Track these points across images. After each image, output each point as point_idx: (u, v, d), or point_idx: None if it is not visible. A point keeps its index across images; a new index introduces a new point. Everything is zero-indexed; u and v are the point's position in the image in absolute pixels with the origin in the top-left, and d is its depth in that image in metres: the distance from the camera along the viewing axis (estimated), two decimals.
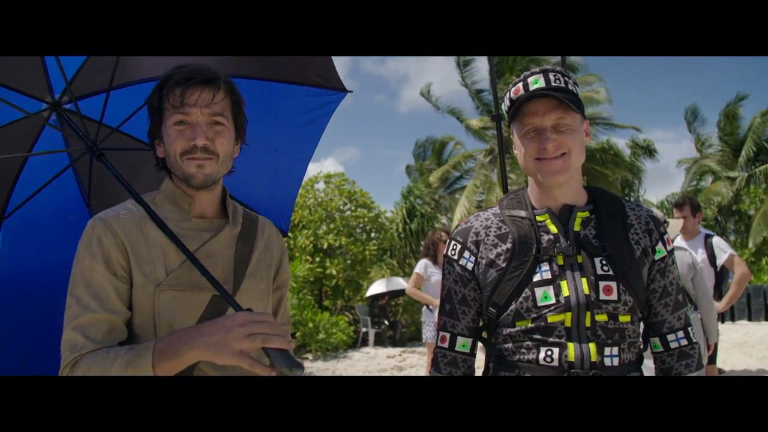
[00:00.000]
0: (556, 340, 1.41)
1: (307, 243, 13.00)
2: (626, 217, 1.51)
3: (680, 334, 1.53)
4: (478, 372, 1.57)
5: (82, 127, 1.82)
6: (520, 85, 1.48)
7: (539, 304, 1.42)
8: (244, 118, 1.49)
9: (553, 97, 1.41)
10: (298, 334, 10.56)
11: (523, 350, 1.44)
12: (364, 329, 12.53)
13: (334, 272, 12.91)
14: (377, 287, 12.84)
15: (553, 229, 1.48)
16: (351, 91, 2.30)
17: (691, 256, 3.85)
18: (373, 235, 14.62)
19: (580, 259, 1.44)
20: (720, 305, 4.67)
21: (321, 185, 14.43)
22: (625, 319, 1.44)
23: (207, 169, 1.37)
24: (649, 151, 22.63)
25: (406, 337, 13.12)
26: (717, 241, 4.76)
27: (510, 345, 1.47)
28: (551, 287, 1.42)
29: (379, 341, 12.47)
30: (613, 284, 1.42)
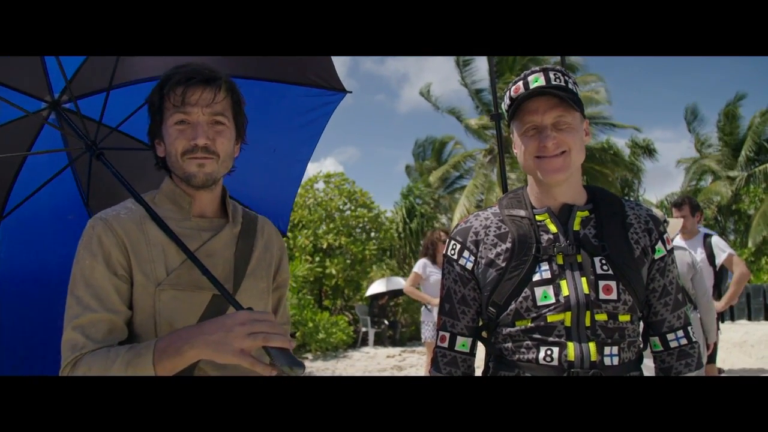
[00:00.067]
0: (556, 339, 1.41)
1: (307, 243, 13.00)
2: (626, 217, 1.51)
3: (680, 333, 1.53)
4: (478, 371, 1.57)
5: (81, 126, 1.83)
6: (521, 83, 1.48)
7: (539, 303, 1.42)
8: (245, 117, 1.49)
9: (553, 95, 1.41)
10: (297, 333, 10.56)
11: (523, 350, 1.45)
12: (363, 329, 12.53)
13: (333, 272, 12.92)
14: (377, 287, 12.85)
15: (553, 228, 1.48)
16: (350, 92, 2.30)
17: (690, 255, 3.85)
18: (372, 234, 14.62)
19: (579, 259, 1.44)
20: (719, 304, 4.67)
21: (321, 185, 14.45)
22: (624, 318, 1.44)
23: (207, 168, 1.37)
24: (649, 151, 22.65)
25: (405, 336, 13.12)
26: (716, 240, 4.77)
27: (510, 344, 1.47)
28: (551, 287, 1.42)
29: (379, 341, 12.47)
30: (613, 283, 1.42)
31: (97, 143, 1.80)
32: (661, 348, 1.54)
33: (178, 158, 1.38)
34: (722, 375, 6.94)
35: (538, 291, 1.43)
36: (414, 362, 9.60)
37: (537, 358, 1.42)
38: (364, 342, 12.34)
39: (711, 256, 4.71)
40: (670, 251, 1.54)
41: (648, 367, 1.50)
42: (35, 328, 2.05)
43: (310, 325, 10.73)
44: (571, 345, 1.40)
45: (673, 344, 1.52)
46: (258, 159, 2.07)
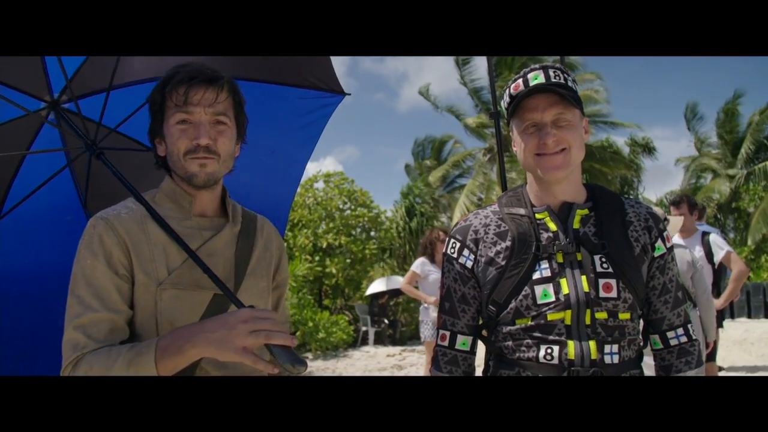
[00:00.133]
0: (556, 337, 1.41)
1: (307, 242, 12.99)
2: (625, 215, 1.52)
3: (680, 331, 1.53)
4: (478, 370, 1.57)
5: (81, 126, 1.83)
6: (520, 81, 1.48)
7: (539, 302, 1.42)
8: (246, 118, 1.49)
9: (553, 92, 1.41)
10: (297, 333, 10.56)
11: (523, 348, 1.45)
12: (363, 328, 12.53)
13: (333, 271, 12.92)
14: (377, 286, 12.84)
15: (553, 226, 1.48)
16: (349, 94, 2.30)
17: (690, 253, 3.86)
18: (372, 234, 14.63)
19: (579, 257, 1.44)
20: (718, 302, 4.68)
21: (320, 184, 14.44)
22: (624, 316, 1.44)
23: (209, 168, 1.38)
24: (648, 149, 22.66)
25: (405, 335, 13.12)
26: (714, 238, 4.77)
27: (510, 343, 1.47)
28: (551, 285, 1.43)
29: (379, 340, 12.47)
30: (613, 281, 1.42)
31: (97, 143, 1.80)
32: (661, 346, 1.54)
33: (180, 158, 1.38)
34: (721, 373, 6.95)
35: (538, 289, 1.43)
36: (414, 361, 9.60)
37: (537, 357, 1.42)
38: (364, 341, 12.34)
39: (709, 254, 4.71)
40: (670, 249, 1.54)
41: (648, 365, 1.51)
42: (31, 328, 2.05)
43: (310, 324, 10.73)
44: (571, 343, 1.40)
45: (673, 342, 1.53)
46: (256, 161, 2.07)
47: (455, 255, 1.55)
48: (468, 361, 1.56)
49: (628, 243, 1.47)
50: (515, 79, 1.50)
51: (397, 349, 11.35)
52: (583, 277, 1.42)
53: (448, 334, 1.56)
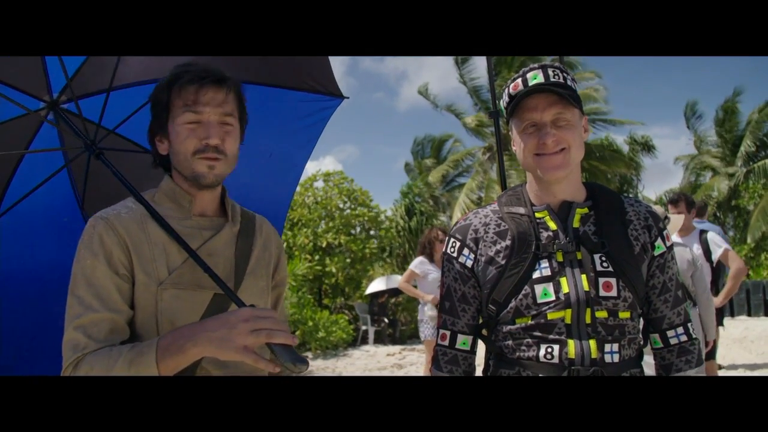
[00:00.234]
0: (557, 337, 1.41)
1: (307, 241, 12.99)
2: (625, 213, 1.52)
3: (680, 330, 1.53)
4: (479, 369, 1.58)
5: (81, 126, 1.83)
6: (519, 80, 1.48)
7: (539, 301, 1.42)
8: (247, 118, 1.50)
9: (552, 92, 1.42)
10: (297, 332, 10.56)
11: (524, 347, 1.45)
12: (363, 327, 12.53)
13: (333, 270, 12.92)
14: (377, 285, 12.83)
15: (552, 225, 1.48)
16: (347, 98, 2.31)
17: (691, 252, 3.86)
18: (372, 233, 14.62)
19: (579, 256, 1.44)
20: (717, 300, 4.68)
21: (320, 183, 14.44)
22: (624, 315, 1.44)
23: (217, 169, 1.38)
24: (648, 147, 22.65)
25: (405, 334, 13.12)
26: (711, 236, 4.77)
27: (510, 342, 1.47)
28: (551, 284, 1.43)
29: (379, 339, 12.47)
30: (613, 280, 1.42)
31: (96, 143, 1.80)
32: (661, 345, 1.54)
33: (188, 157, 1.37)
34: (721, 371, 6.96)
35: (538, 288, 1.43)
36: (414, 360, 9.61)
37: (537, 356, 1.42)
38: (364, 340, 12.34)
39: (707, 252, 4.71)
40: (670, 248, 1.54)
41: (648, 364, 1.51)
42: (32, 328, 2.05)
43: (310, 323, 10.72)
44: (571, 342, 1.40)
45: (673, 341, 1.53)
46: (254, 163, 2.07)
47: (455, 254, 1.55)
48: (468, 360, 1.56)
49: (628, 242, 1.47)
50: (514, 79, 1.50)
51: (397, 348, 11.35)
52: (583, 276, 1.42)
53: (448, 333, 1.56)
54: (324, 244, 13.16)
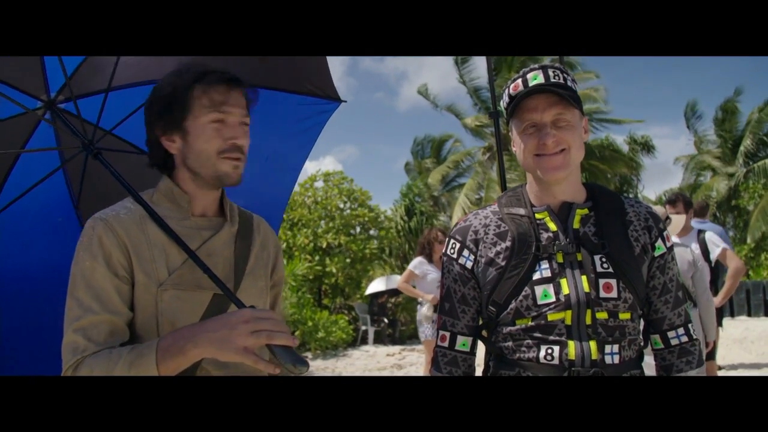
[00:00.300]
0: (557, 338, 1.41)
1: (307, 241, 12.99)
2: (625, 214, 1.51)
3: (680, 330, 1.53)
4: (478, 370, 1.57)
5: (80, 126, 1.82)
6: (519, 81, 1.48)
7: (539, 302, 1.42)
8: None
9: (552, 92, 1.41)
10: (297, 332, 10.56)
11: (524, 348, 1.45)
12: (363, 327, 12.53)
13: (333, 270, 12.92)
14: (376, 285, 12.84)
15: (553, 226, 1.48)
16: (345, 101, 2.31)
17: (691, 253, 3.85)
18: (372, 233, 14.63)
19: (579, 257, 1.44)
20: (716, 300, 4.68)
21: (320, 184, 14.44)
22: (625, 316, 1.44)
23: (240, 169, 1.41)
24: (648, 147, 22.66)
25: (405, 335, 13.12)
26: (709, 236, 4.77)
27: (510, 343, 1.47)
28: (551, 285, 1.42)
29: (379, 339, 12.47)
30: (613, 281, 1.42)
31: (94, 143, 1.79)
32: (661, 346, 1.54)
33: (211, 157, 1.37)
34: (721, 371, 6.96)
35: (538, 289, 1.43)
36: (414, 360, 9.61)
37: (538, 357, 1.42)
38: (364, 340, 12.34)
39: (705, 252, 4.71)
40: (670, 249, 1.54)
41: (649, 365, 1.51)
42: (28, 329, 2.04)
43: (310, 323, 10.72)
44: (571, 343, 1.40)
45: (673, 342, 1.53)
46: (251, 166, 2.07)
47: (455, 255, 1.55)
48: (468, 361, 1.56)
49: (628, 243, 1.47)
50: (514, 79, 1.49)
51: (397, 348, 11.36)
52: (584, 277, 1.42)
53: (448, 334, 1.56)
54: (324, 245, 13.16)
